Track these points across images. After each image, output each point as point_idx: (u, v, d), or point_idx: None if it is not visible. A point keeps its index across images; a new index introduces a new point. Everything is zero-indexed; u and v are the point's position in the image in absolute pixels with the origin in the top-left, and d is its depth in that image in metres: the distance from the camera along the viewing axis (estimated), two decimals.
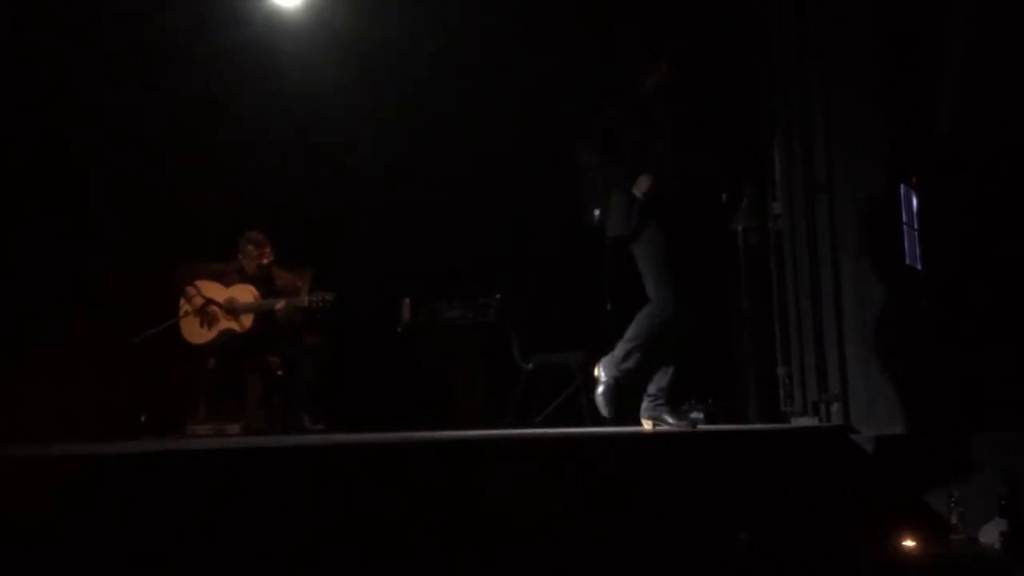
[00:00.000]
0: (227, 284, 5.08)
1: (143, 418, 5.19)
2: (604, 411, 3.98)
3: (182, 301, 5.05)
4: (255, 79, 5.65)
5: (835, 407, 4.32)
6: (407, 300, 6.12)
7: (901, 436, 4.04)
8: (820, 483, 3.56)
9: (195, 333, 5.03)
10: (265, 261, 5.13)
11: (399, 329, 6.11)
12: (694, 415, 4.77)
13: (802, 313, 4.54)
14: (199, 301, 4.99)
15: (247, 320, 5.00)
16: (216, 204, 5.81)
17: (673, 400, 3.98)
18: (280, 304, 4.90)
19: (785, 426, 4.45)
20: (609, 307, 5.72)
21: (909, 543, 3.26)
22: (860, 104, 4.46)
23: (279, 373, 5.14)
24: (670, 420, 3.89)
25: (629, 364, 3.94)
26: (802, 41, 4.66)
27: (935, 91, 4.91)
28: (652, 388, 3.98)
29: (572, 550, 2.48)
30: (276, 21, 5.51)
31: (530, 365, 5.64)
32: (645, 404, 3.98)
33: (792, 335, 4.60)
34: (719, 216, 5.29)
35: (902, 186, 4.73)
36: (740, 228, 5.17)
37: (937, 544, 3.36)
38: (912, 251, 4.75)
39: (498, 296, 5.89)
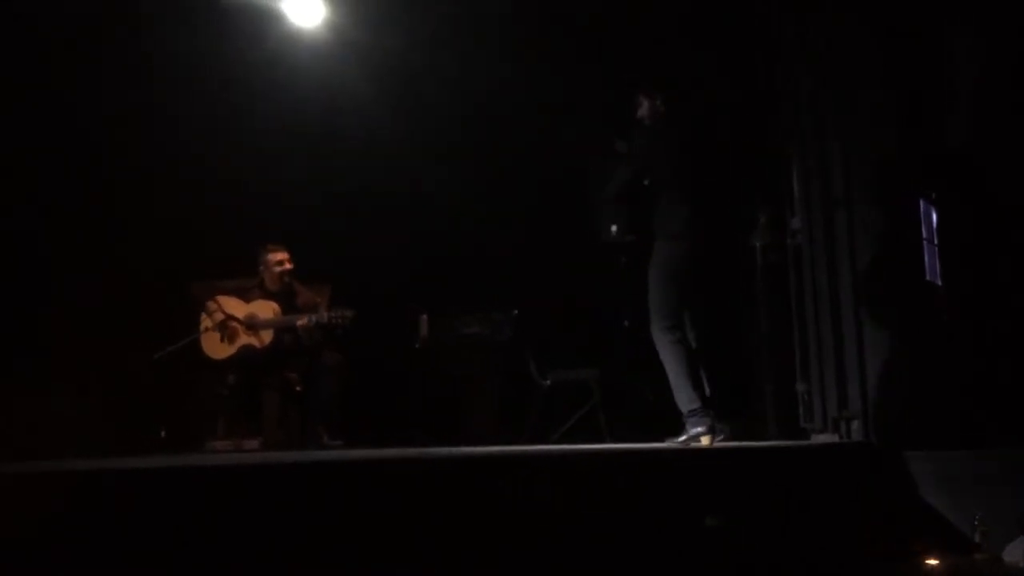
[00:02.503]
0: (248, 300, 5.11)
1: (163, 433, 5.21)
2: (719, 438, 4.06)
3: (203, 316, 5.08)
4: (273, 96, 5.69)
5: (855, 424, 4.28)
6: (424, 316, 6.12)
7: (923, 453, 4.00)
8: (841, 501, 3.53)
9: (215, 348, 5.06)
10: (286, 267, 5.15)
11: (416, 345, 6.12)
12: (721, 427, 4.74)
13: (821, 329, 4.51)
14: (219, 316, 5.02)
15: (267, 336, 5.02)
16: (234, 221, 5.85)
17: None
18: (301, 320, 4.92)
19: (805, 443, 4.42)
20: (626, 323, 5.71)
21: (932, 562, 3.22)
22: (876, 119, 4.45)
23: (298, 389, 5.15)
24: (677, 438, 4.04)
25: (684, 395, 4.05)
26: (815, 57, 4.66)
27: (953, 106, 4.90)
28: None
29: (593, 566, 2.47)
30: (295, 39, 5.55)
31: (547, 381, 5.63)
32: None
33: (811, 351, 4.57)
34: (737, 233, 5.29)
35: (921, 201, 4.70)
36: (759, 244, 5.15)
37: (961, 563, 3.32)
38: (932, 267, 4.72)
39: (515, 312, 5.89)
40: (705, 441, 4.01)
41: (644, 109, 4.45)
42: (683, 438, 4.07)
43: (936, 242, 4.83)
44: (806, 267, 4.64)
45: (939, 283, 4.76)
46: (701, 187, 4.34)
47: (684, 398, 4.07)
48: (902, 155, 4.43)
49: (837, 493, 3.56)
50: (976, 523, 3.53)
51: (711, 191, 4.43)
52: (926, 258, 4.62)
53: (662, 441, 4.18)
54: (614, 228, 5.62)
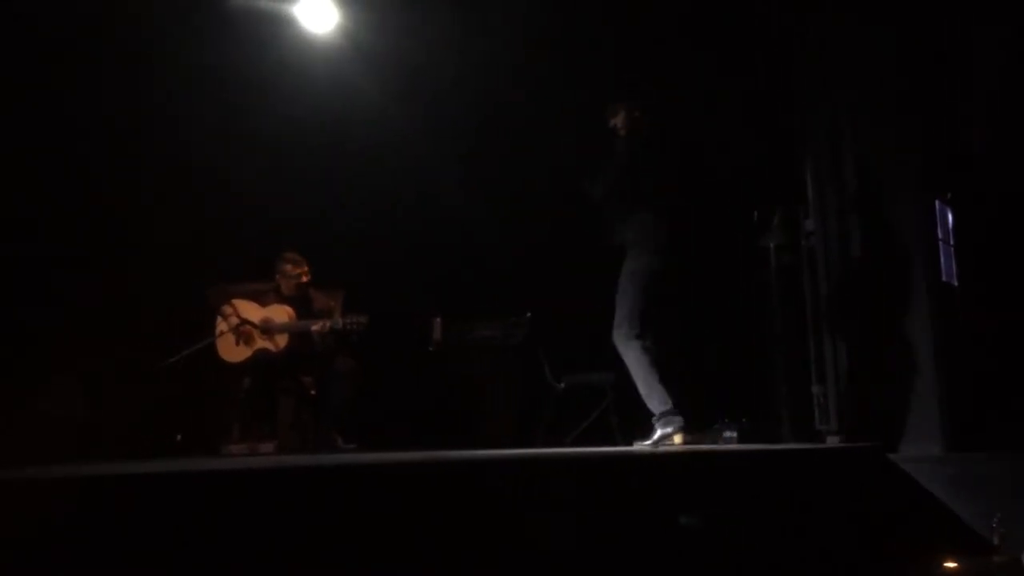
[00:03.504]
0: (264, 304, 5.13)
1: (178, 437, 5.23)
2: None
3: (218, 320, 5.11)
4: (286, 101, 5.72)
5: (871, 425, 4.27)
6: (438, 319, 6.13)
7: (940, 455, 3.98)
8: (856, 503, 3.51)
9: (231, 351, 5.08)
10: (304, 280, 5.18)
11: (430, 348, 6.12)
12: (727, 434, 4.74)
13: (835, 331, 4.49)
14: (235, 320, 5.04)
15: (282, 340, 5.04)
16: (249, 225, 5.88)
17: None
18: (317, 325, 4.94)
19: (820, 445, 4.40)
20: None
21: (950, 564, 3.20)
22: (892, 121, 4.44)
23: (312, 393, 5.17)
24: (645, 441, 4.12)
25: (656, 398, 4.11)
26: (830, 58, 4.65)
27: (969, 106, 4.87)
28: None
29: (604, 568, 2.46)
30: (308, 45, 5.57)
31: (561, 384, 5.62)
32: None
33: (826, 353, 4.55)
34: (750, 234, 5.28)
35: (937, 202, 4.68)
36: (772, 246, 5.14)
37: (979, 565, 3.29)
38: (948, 267, 4.69)
39: (529, 315, 5.89)
40: (677, 440, 4.05)
41: (619, 119, 4.48)
42: (654, 439, 4.10)
43: (952, 243, 4.80)
44: (820, 268, 4.63)
45: (955, 283, 4.74)
46: (676, 200, 4.43)
47: (656, 401, 4.12)
48: (917, 155, 4.42)
49: (852, 495, 3.54)
50: (994, 525, 3.50)
51: (686, 204, 4.56)
52: (942, 258, 4.60)
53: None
54: None
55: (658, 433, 4.08)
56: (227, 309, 5.09)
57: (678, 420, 4.06)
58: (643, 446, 4.12)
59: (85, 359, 4.98)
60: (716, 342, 5.49)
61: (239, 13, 5.35)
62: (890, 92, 4.47)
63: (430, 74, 5.76)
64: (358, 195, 6.15)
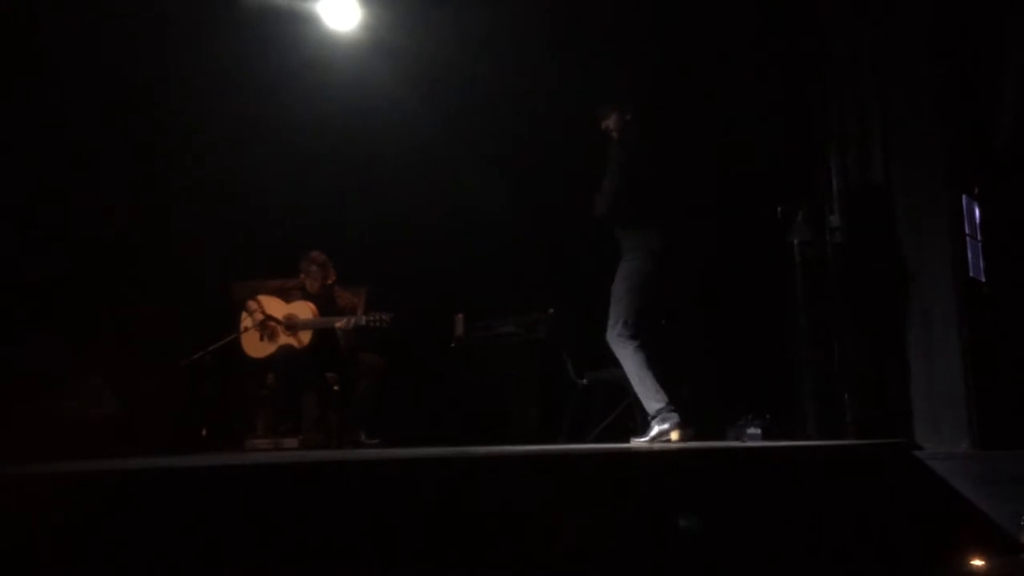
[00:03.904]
0: (288, 300, 5.17)
1: (204, 432, 5.28)
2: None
3: (243, 315, 5.15)
4: (309, 98, 5.74)
5: (898, 423, 4.23)
6: (460, 316, 6.14)
7: (966, 452, 3.94)
8: (883, 501, 3.48)
9: (255, 347, 5.12)
10: (329, 281, 5.22)
11: (452, 345, 6.14)
12: (751, 431, 4.71)
13: (862, 327, 4.46)
14: (259, 317, 5.08)
15: (305, 337, 5.07)
16: (273, 221, 5.92)
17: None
18: (341, 322, 4.97)
19: (845, 442, 4.37)
20: (663, 322, 5.68)
21: (977, 563, 3.16)
22: (918, 115, 4.38)
23: (335, 389, 5.20)
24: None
25: (651, 395, 4.15)
26: (857, 53, 4.60)
27: (996, 101, 4.81)
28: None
29: (626, 565, 2.46)
30: (332, 43, 5.59)
31: (584, 381, 5.61)
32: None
33: (852, 350, 4.51)
34: (774, 230, 5.24)
35: (964, 197, 4.62)
36: (796, 242, 5.09)
37: (1006, 564, 3.26)
38: (976, 263, 4.64)
39: (551, 312, 5.88)
40: (675, 436, 4.06)
41: (612, 122, 4.50)
42: (651, 436, 4.11)
43: (979, 238, 4.74)
44: (845, 264, 4.59)
45: (983, 279, 4.68)
46: (674, 202, 4.45)
47: (652, 398, 4.14)
48: (945, 150, 4.36)
49: (878, 493, 3.51)
50: (1022, 523, 3.46)
51: (683, 205, 4.55)
52: (969, 254, 4.54)
53: (700, 440, 4.16)
54: None
55: (655, 430, 4.10)
56: (252, 305, 5.13)
57: (674, 417, 4.08)
58: (640, 443, 4.14)
59: (112, 356, 5.03)
60: (740, 338, 5.46)
61: (262, 11, 5.38)
62: (918, 86, 4.42)
63: (452, 71, 5.76)
64: (381, 192, 6.17)
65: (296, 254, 5.40)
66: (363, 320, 4.94)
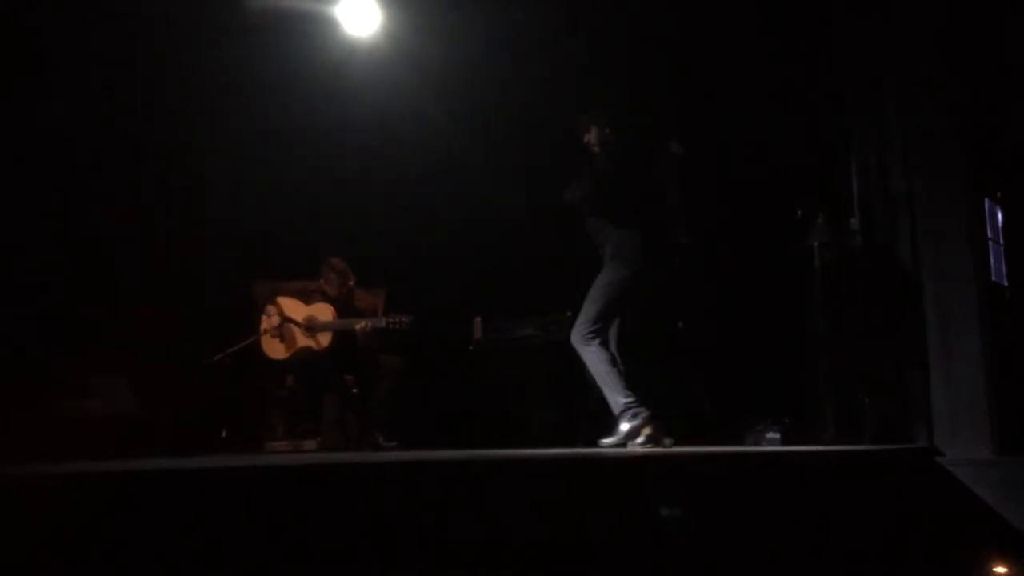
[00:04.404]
0: (308, 303, 5.20)
1: (223, 434, 5.31)
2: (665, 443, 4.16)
3: (263, 317, 5.18)
4: (329, 102, 5.77)
5: (918, 428, 4.20)
6: (478, 318, 6.15)
7: (989, 459, 3.90)
8: (903, 507, 3.46)
9: (274, 349, 5.15)
10: (349, 285, 5.26)
11: (470, 347, 6.14)
12: (770, 435, 4.69)
13: (881, 331, 4.43)
14: (279, 318, 5.11)
15: (325, 339, 5.09)
16: (293, 223, 5.95)
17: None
18: (360, 324, 4.99)
19: (865, 447, 4.34)
20: (681, 325, 5.66)
21: (999, 569, 3.14)
22: (939, 118, 4.35)
23: (354, 391, 5.22)
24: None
25: (616, 393, 4.19)
26: (877, 58, 4.58)
27: (1019, 106, 4.77)
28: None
29: (649, 569, 2.46)
30: (352, 47, 5.61)
31: None
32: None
33: (871, 354, 4.49)
34: (793, 233, 5.22)
35: (987, 201, 4.59)
36: (816, 245, 5.07)
37: None
38: (998, 267, 4.60)
39: (569, 314, 5.86)
40: (647, 431, 4.08)
41: (592, 136, 4.55)
42: (622, 434, 4.13)
43: (1002, 242, 4.71)
44: (865, 267, 4.57)
45: (1005, 283, 4.64)
46: (654, 213, 4.55)
47: (618, 394, 4.17)
48: (966, 153, 4.33)
49: (899, 498, 3.49)
50: None
51: (661, 217, 4.67)
52: (991, 258, 4.51)
53: (717, 445, 4.15)
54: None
55: (625, 427, 4.13)
56: (271, 308, 5.16)
57: (644, 412, 4.12)
58: (609, 443, 4.16)
59: (134, 356, 5.07)
60: (759, 342, 5.44)
61: (283, 16, 5.41)
62: (938, 89, 4.39)
63: (471, 75, 5.77)
64: (400, 195, 6.19)
65: (317, 255, 5.43)
66: (383, 322, 4.96)
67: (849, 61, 4.78)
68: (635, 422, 4.11)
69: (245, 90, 5.62)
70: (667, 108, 5.75)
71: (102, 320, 5.18)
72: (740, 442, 4.84)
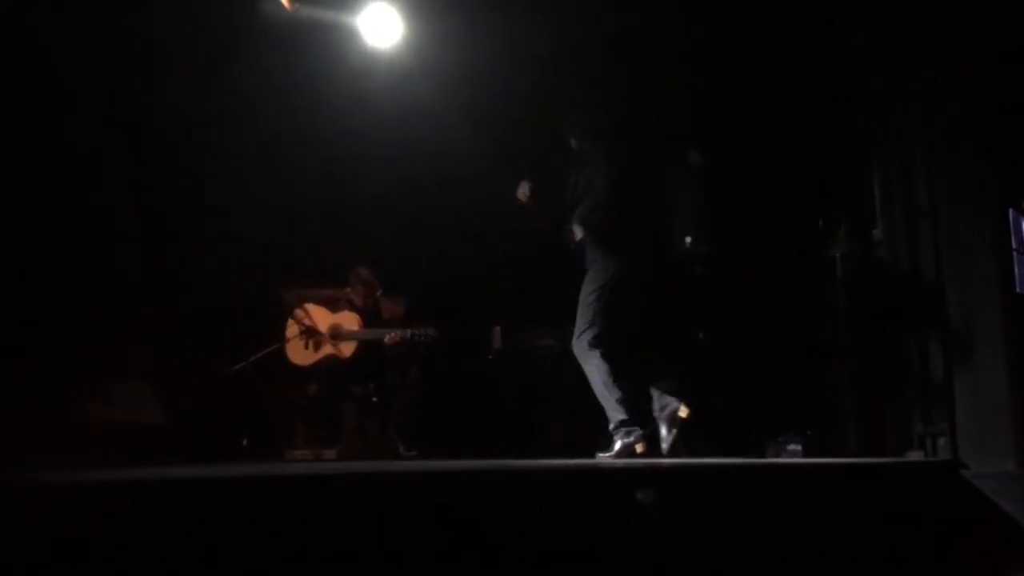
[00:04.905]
0: (334, 311, 5.24)
1: (244, 442, 5.35)
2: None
3: (289, 323, 5.22)
4: (350, 113, 5.80)
5: (942, 441, 4.15)
6: (498, 328, 6.16)
7: (1013, 471, 3.85)
8: (927, 519, 3.42)
9: (300, 355, 5.19)
10: (374, 296, 5.31)
11: (490, 357, 6.15)
12: (792, 447, 4.66)
13: (904, 342, 4.39)
14: (299, 328, 5.15)
15: (348, 348, 5.13)
16: (315, 231, 5.99)
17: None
18: (389, 335, 5.03)
19: (888, 460, 4.30)
20: (701, 335, 5.64)
21: None
22: (963, 127, 4.31)
23: (375, 400, 5.25)
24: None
25: (613, 407, 4.17)
26: (899, 65, 4.55)
27: None
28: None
29: None
30: (374, 57, 5.64)
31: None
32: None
33: (894, 366, 4.45)
34: (815, 244, 5.19)
35: (1011, 211, 4.54)
36: (838, 255, 5.04)
37: None
38: (1022, 278, 4.56)
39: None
40: (639, 449, 4.06)
41: (576, 142, 4.61)
42: (615, 451, 4.12)
43: None
44: (888, 278, 4.53)
45: None
46: (649, 219, 4.62)
47: (615, 410, 4.15)
48: (990, 163, 4.29)
49: (923, 512, 3.45)
50: None
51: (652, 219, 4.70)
52: (1016, 269, 4.46)
53: (738, 456, 4.13)
54: (688, 239, 5.58)
55: (619, 444, 4.11)
56: (299, 313, 5.21)
57: (637, 430, 4.10)
58: (604, 458, 4.15)
59: (158, 364, 5.11)
60: (780, 352, 5.41)
61: (306, 26, 5.46)
62: (961, 98, 4.35)
63: (493, 86, 5.79)
64: (420, 204, 6.21)
65: (339, 263, 5.48)
66: (408, 334, 4.99)
67: (873, 71, 4.75)
68: (628, 440, 4.09)
69: (270, 99, 5.67)
70: (688, 117, 5.75)
71: (126, 327, 5.23)
72: (761, 453, 4.81)
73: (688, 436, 4.80)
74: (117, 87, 5.20)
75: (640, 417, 4.15)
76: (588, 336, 4.23)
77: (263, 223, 5.77)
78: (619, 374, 4.19)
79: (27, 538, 1.83)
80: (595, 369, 4.21)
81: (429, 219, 6.26)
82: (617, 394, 4.14)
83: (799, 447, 4.69)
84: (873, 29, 4.72)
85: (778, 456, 4.68)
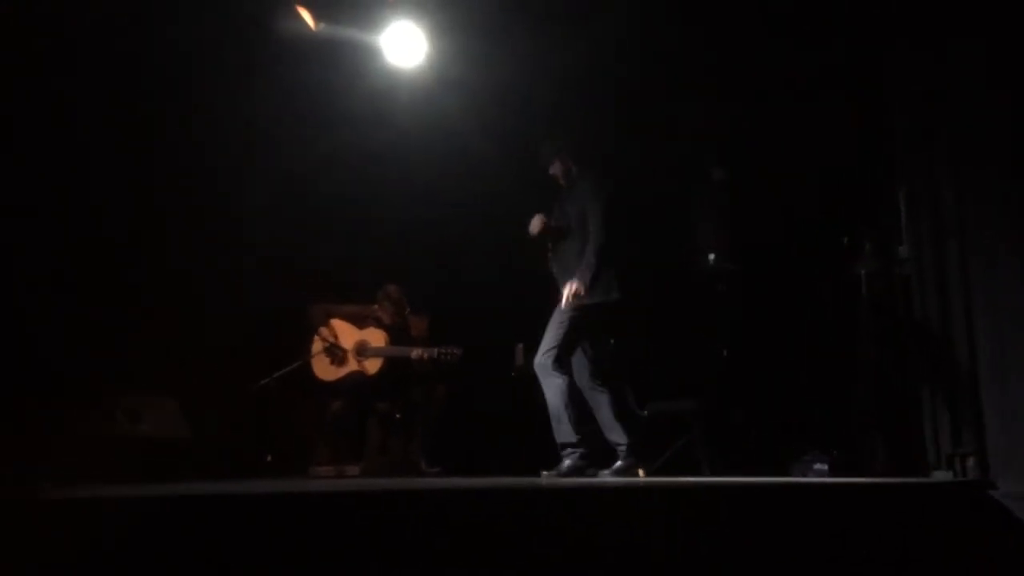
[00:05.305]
0: (361, 327, 5.27)
1: (269, 458, 5.37)
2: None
3: (315, 339, 5.25)
4: (375, 131, 5.84)
5: (971, 461, 4.09)
6: (520, 345, 6.15)
7: None
8: (955, 540, 3.37)
9: (326, 370, 5.22)
10: (403, 315, 5.34)
11: (512, 374, 6.14)
12: (817, 466, 4.61)
13: (932, 361, 4.34)
14: (330, 342, 5.18)
15: (373, 365, 5.15)
16: (341, 249, 6.03)
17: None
18: (416, 353, 5.05)
19: (916, 480, 4.25)
20: (725, 353, 5.61)
21: None
22: (991, 141, 4.27)
23: (398, 417, 5.26)
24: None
25: (565, 428, 4.30)
26: (924, 78, 4.52)
27: None
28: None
29: None
30: (399, 74, 5.68)
31: (645, 412, 5.56)
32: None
33: (923, 384, 4.39)
34: (839, 261, 5.16)
35: None
36: (863, 273, 5.00)
37: None
38: None
39: (612, 342, 5.85)
40: (588, 473, 4.20)
41: (556, 168, 4.67)
42: (562, 470, 4.23)
43: None
44: (915, 297, 4.48)
45: None
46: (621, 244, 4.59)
47: (564, 434, 4.28)
48: (1018, 177, 4.24)
49: (951, 533, 3.40)
50: None
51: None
52: None
53: (762, 475, 4.09)
54: (712, 256, 5.56)
55: (567, 464, 4.25)
56: (324, 331, 5.24)
57: (584, 451, 4.26)
58: (549, 475, 4.24)
59: (186, 380, 5.15)
60: (805, 370, 5.37)
61: (331, 44, 5.51)
62: (989, 110, 4.31)
63: (517, 104, 5.81)
64: (443, 222, 6.24)
65: (364, 279, 5.51)
66: (435, 352, 5.01)
67: (898, 86, 4.72)
68: (574, 461, 4.24)
69: (296, 117, 5.74)
70: (713, 133, 5.74)
71: (154, 343, 5.28)
72: (787, 473, 4.76)
73: (712, 455, 4.78)
74: (149, 106, 5.28)
75: (588, 440, 4.30)
76: (553, 355, 4.32)
77: (289, 240, 5.83)
78: (575, 397, 4.32)
79: (56, 553, 1.86)
80: (555, 389, 4.31)
81: (451, 236, 6.28)
82: (573, 415, 4.27)
83: (825, 466, 4.63)
84: (901, 48, 4.69)
85: (804, 475, 4.62)
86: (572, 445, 4.26)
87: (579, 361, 4.46)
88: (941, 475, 4.15)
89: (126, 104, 5.20)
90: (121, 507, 2.10)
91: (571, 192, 4.61)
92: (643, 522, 2.57)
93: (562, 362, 4.32)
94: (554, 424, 4.33)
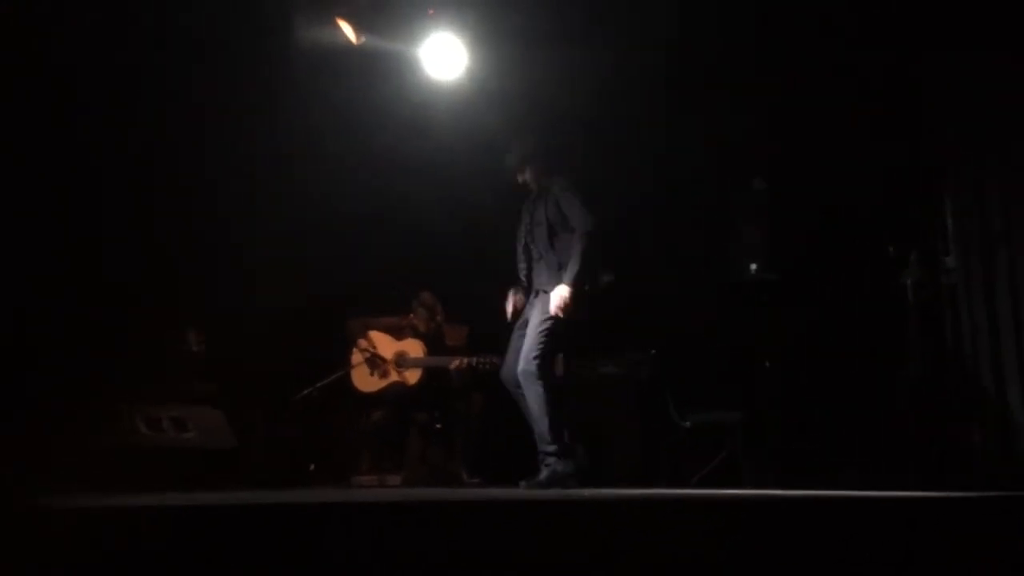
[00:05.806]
0: (399, 338, 5.31)
1: (312, 467, 5.43)
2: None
3: (354, 351, 5.30)
4: (413, 143, 5.88)
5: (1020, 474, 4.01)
6: (560, 355, 6.15)
7: None
8: (1005, 556, 3.30)
9: (365, 382, 5.27)
10: (437, 320, 5.36)
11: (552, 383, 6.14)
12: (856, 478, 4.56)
13: (980, 372, 4.27)
14: (370, 353, 5.23)
15: (413, 376, 5.18)
16: (380, 262, 6.08)
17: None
18: (455, 363, 5.07)
19: (964, 494, 4.16)
20: (767, 364, 5.56)
21: None
22: None
23: (438, 427, 5.28)
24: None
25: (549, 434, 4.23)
26: (972, 89, 4.46)
27: None
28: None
29: None
30: (435, 90, 5.71)
31: (687, 423, 5.53)
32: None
33: (969, 395, 4.32)
34: (886, 270, 5.09)
35: None
36: (909, 283, 4.92)
37: None
38: None
39: (653, 352, 5.83)
40: (571, 482, 4.11)
41: (527, 175, 4.62)
42: (543, 479, 4.13)
43: None
44: (962, 306, 4.42)
45: None
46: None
47: (546, 442, 4.20)
48: None
49: (1003, 551, 3.33)
50: None
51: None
52: None
53: (802, 487, 4.04)
54: (754, 267, 5.52)
55: (545, 474, 4.16)
56: (362, 342, 5.29)
57: (569, 464, 4.19)
58: (530, 485, 4.15)
59: (228, 390, 5.23)
60: (849, 382, 5.30)
61: (371, 55, 5.56)
62: None
63: (556, 116, 5.82)
64: (481, 233, 6.25)
65: (402, 291, 5.55)
66: (474, 362, 5.03)
67: (945, 96, 4.66)
68: (560, 469, 4.16)
69: (335, 130, 5.79)
70: (756, 143, 5.70)
71: (196, 354, 5.37)
72: (827, 484, 4.70)
73: (755, 467, 4.73)
74: (185, 121, 5.36)
75: (570, 448, 4.24)
76: (538, 362, 4.27)
77: (328, 252, 5.89)
78: (557, 403, 4.28)
79: (99, 561, 1.90)
80: (537, 397, 4.26)
81: (490, 249, 6.30)
82: (556, 424, 4.22)
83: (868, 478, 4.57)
84: (947, 56, 4.63)
85: (848, 488, 4.56)
86: (553, 454, 4.19)
87: (516, 348, 4.41)
88: (987, 487, 4.08)
89: (161, 130, 5.27)
90: (165, 516, 2.14)
91: (543, 194, 4.55)
92: (685, 535, 2.55)
93: (545, 369, 4.28)
94: (537, 433, 4.28)
